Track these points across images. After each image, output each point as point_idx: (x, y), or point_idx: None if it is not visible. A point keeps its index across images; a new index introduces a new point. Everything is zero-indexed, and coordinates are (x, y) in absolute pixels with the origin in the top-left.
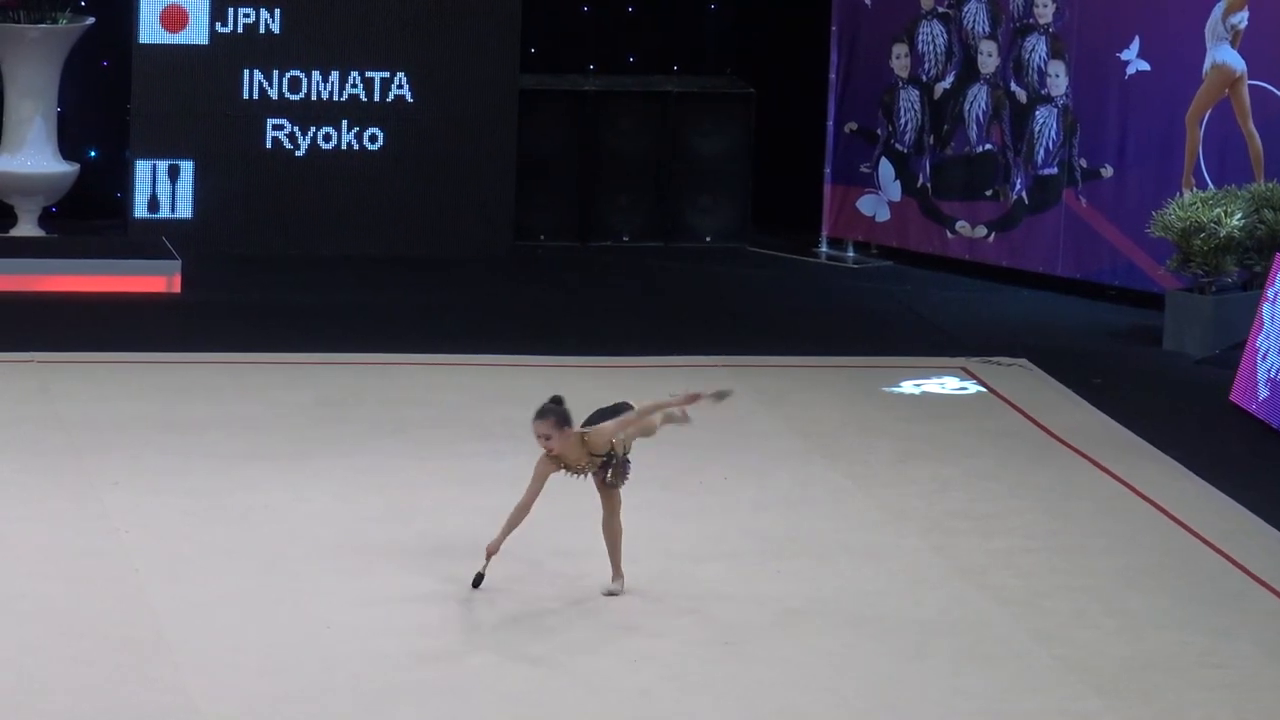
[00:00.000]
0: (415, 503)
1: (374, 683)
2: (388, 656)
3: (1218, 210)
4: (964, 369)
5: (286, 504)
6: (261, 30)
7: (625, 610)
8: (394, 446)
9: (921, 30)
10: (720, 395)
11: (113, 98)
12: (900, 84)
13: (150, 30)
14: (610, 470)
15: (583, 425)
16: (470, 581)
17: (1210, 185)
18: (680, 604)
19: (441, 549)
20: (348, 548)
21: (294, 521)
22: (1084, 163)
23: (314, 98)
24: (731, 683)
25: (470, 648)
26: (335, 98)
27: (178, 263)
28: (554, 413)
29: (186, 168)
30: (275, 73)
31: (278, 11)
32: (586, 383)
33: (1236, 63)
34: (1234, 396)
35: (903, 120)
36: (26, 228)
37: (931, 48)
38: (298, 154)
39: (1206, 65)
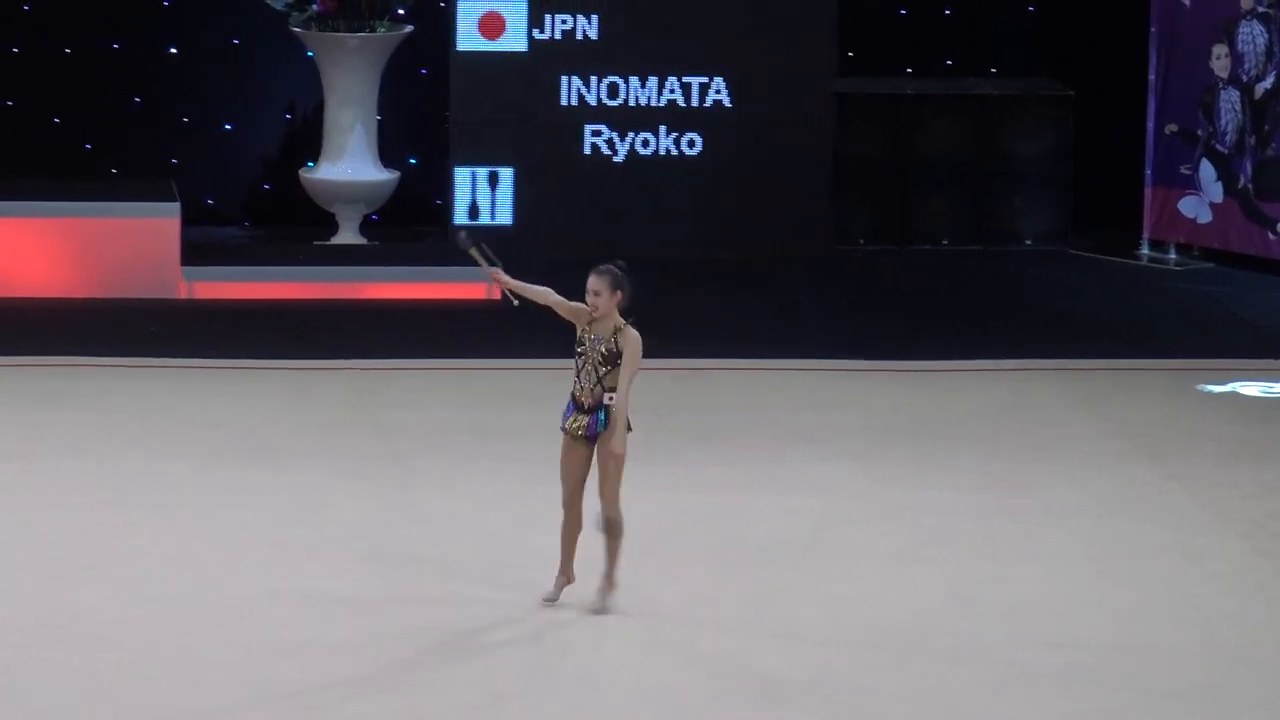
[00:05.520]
0: (737, 504)
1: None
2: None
3: None
4: None
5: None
6: (579, 36)
7: (936, 613)
8: (705, 453)
9: (1241, 30)
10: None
11: (432, 105)
12: (1220, 84)
13: (469, 38)
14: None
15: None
16: None
17: None
18: (999, 604)
19: (756, 549)
20: (667, 549)
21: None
22: None
23: (632, 103)
24: (1071, 685)
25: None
26: (653, 103)
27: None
28: (610, 273)
29: (506, 174)
30: (593, 79)
31: (595, 18)
32: (903, 386)
33: None
34: None
35: (1223, 121)
36: (347, 235)
37: (1252, 48)
38: (616, 159)
39: None
